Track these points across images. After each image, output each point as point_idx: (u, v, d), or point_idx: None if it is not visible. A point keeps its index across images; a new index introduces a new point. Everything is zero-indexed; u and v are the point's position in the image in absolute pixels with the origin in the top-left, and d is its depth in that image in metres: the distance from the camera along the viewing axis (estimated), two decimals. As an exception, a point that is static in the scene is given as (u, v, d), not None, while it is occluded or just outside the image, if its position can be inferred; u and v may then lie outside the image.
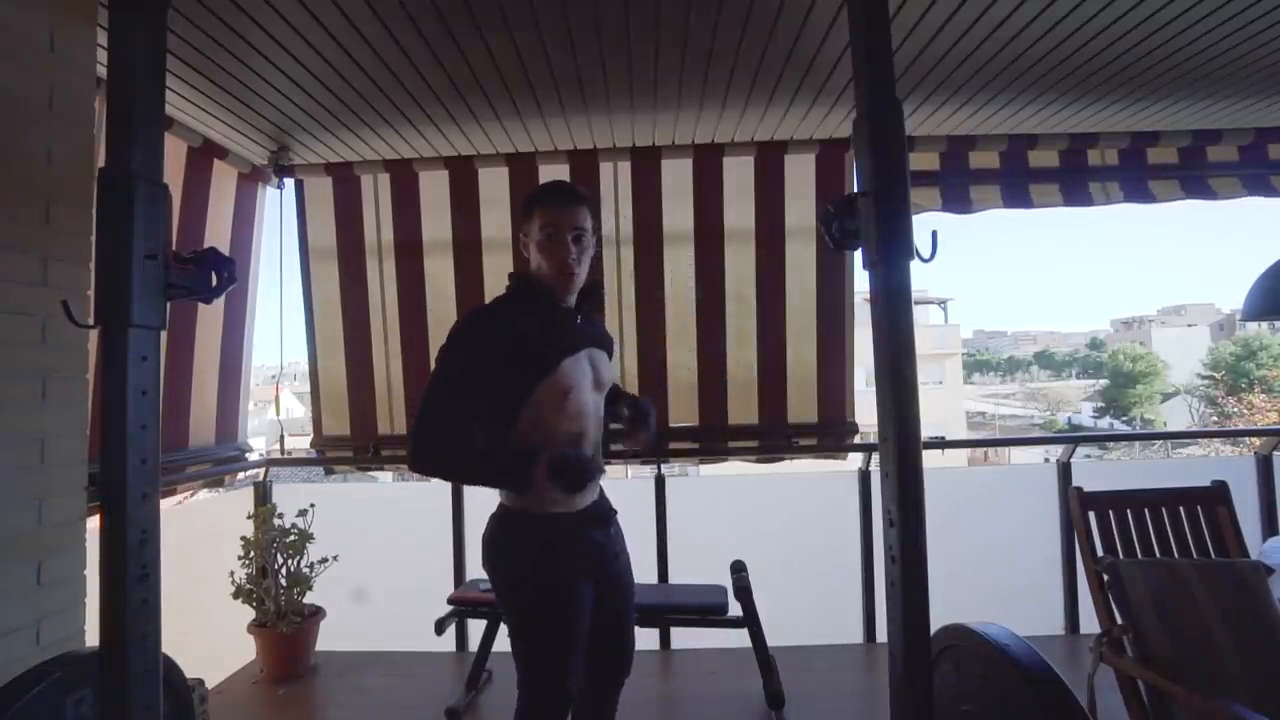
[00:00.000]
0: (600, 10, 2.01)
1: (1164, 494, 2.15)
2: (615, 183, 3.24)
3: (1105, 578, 1.91)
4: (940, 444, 3.32)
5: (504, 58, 2.26)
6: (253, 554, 2.83)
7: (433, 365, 1.44)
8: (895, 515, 1.17)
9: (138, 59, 1.22)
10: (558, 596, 1.43)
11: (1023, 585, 3.18)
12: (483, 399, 1.41)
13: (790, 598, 2.95)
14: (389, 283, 3.31)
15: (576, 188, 1.54)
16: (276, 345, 3.24)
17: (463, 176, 3.26)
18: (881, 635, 2.94)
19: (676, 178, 3.23)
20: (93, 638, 1.27)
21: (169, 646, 1.27)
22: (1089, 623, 2.51)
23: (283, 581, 2.78)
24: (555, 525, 1.45)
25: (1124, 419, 31.66)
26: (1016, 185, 3.19)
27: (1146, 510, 2.11)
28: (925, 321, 27.10)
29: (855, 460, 3.29)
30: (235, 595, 2.77)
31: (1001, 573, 3.15)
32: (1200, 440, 21.81)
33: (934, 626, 1.22)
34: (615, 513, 1.61)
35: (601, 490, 1.59)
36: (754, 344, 3.26)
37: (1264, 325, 23.97)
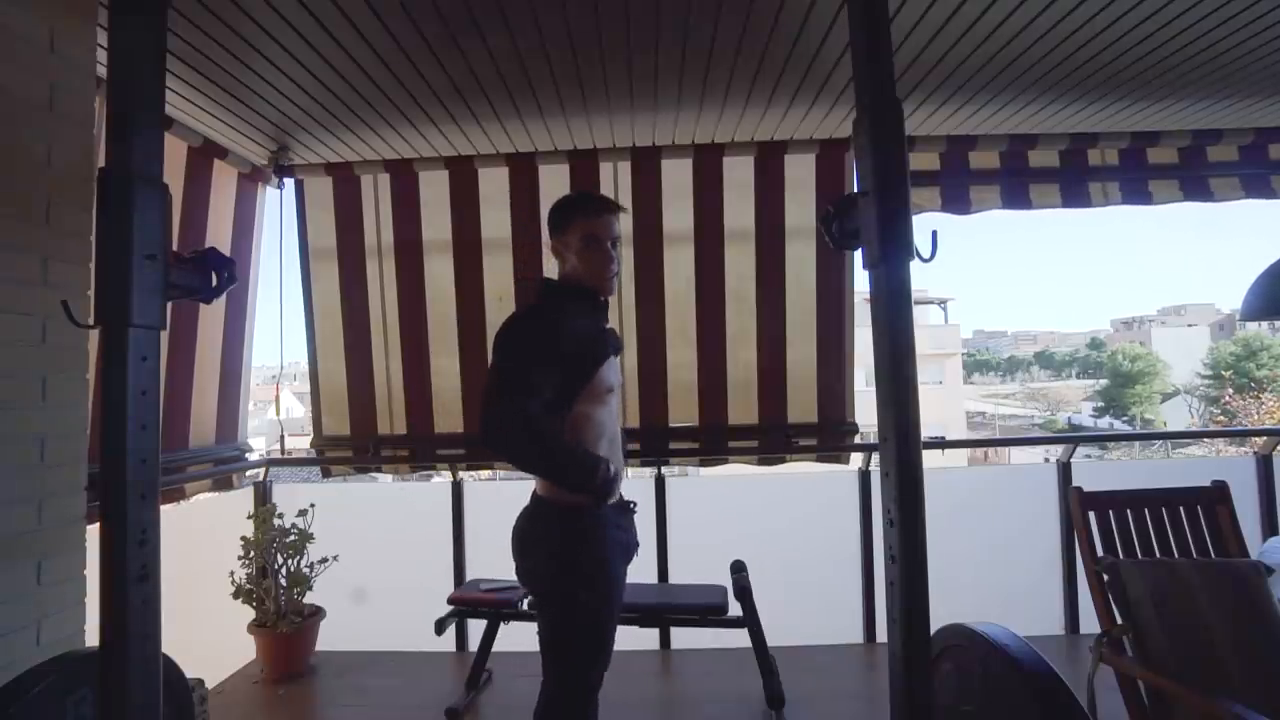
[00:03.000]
0: (600, 11, 2.01)
1: (1164, 494, 2.14)
2: (615, 183, 3.24)
3: (1105, 578, 1.91)
4: (940, 444, 3.33)
5: (504, 58, 2.26)
6: (253, 554, 2.83)
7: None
8: (895, 515, 1.17)
9: (138, 59, 1.22)
10: (602, 587, 1.47)
11: (1023, 585, 3.18)
12: (543, 397, 1.44)
13: (790, 598, 2.95)
14: (389, 283, 3.31)
15: (610, 199, 1.63)
16: (276, 345, 3.25)
17: (463, 176, 3.26)
18: (881, 635, 2.95)
19: (676, 178, 3.23)
20: (93, 638, 1.27)
21: (169, 646, 1.27)
22: (1089, 623, 2.51)
23: (283, 581, 2.78)
24: (596, 517, 1.49)
25: (1124, 419, 31.67)
26: (1016, 186, 3.19)
27: (1146, 510, 2.11)
28: (925, 321, 27.06)
29: (855, 460, 3.29)
30: (235, 595, 2.77)
31: (1001, 573, 3.15)
32: (1201, 440, 21.81)
33: (934, 626, 1.22)
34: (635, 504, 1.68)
35: None
36: (754, 344, 3.26)
37: (1264, 325, 23.98)
